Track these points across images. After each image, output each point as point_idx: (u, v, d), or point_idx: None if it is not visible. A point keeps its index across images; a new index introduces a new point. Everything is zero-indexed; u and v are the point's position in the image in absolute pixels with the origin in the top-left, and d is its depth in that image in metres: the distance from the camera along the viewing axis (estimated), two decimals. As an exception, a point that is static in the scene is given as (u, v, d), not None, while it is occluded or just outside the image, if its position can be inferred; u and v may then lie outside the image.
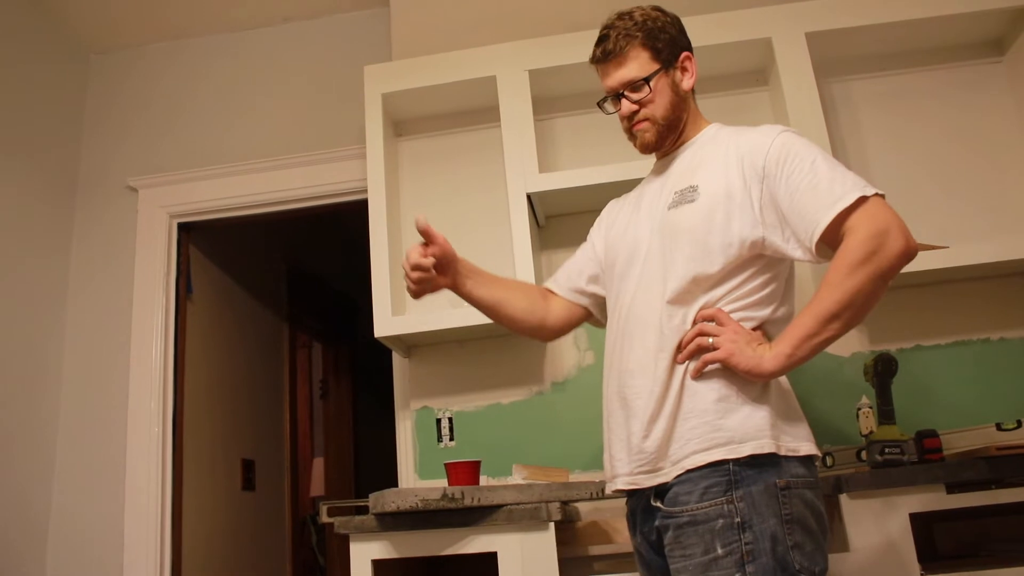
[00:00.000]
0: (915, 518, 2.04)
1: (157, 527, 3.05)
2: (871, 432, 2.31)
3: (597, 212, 2.87)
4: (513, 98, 2.83)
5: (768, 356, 1.54)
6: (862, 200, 1.52)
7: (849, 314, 1.50)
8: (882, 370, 2.32)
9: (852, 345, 2.67)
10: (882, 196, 1.54)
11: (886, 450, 2.19)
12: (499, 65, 2.87)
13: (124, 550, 3.02)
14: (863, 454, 2.27)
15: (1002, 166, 2.78)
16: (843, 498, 2.05)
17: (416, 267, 1.77)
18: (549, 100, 3.00)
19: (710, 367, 1.59)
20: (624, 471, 1.66)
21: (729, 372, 1.58)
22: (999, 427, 2.27)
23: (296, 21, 3.53)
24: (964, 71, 2.88)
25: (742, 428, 1.55)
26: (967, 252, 2.52)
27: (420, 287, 1.82)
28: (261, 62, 3.52)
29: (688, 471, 1.55)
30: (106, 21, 3.47)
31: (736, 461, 1.53)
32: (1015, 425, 2.26)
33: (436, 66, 2.92)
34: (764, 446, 1.53)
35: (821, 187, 1.55)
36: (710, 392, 1.58)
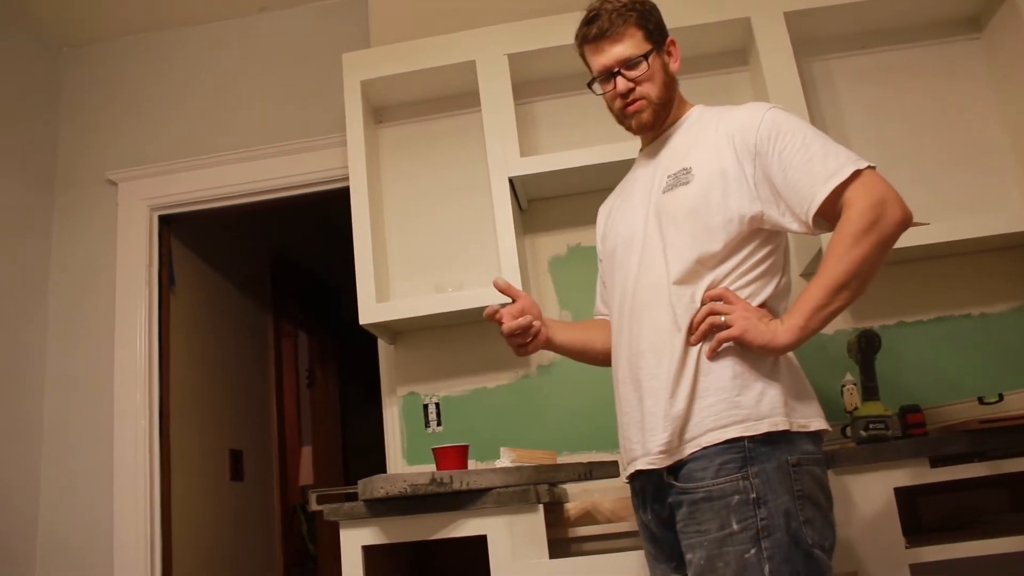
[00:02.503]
0: (900, 492, 2.07)
1: (146, 520, 3.04)
2: (855, 408, 2.33)
3: (579, 195, 2.90)
4: (493, 82, 2.82)
5: (782, 330, 1.56)
6: (857, 173, 1.55)
7: (857, 283, 1.53)
8: (865, 347, 2.34)
9: (836, 323, 2.67)
10: (874, 168, 1.57)
11: (871, 426, 2.20)
12: (478, 49, 2.86)
13: (114, 543, 3.01)
14: (848, 430, 2.29)
15: (980, 142, 2.80)
16: (829, 473, 2.06)
17: (519, 330, 1.80)
18: (529, 84, 3.00)
19: (724, 345, 1.60)
20: (640, 452, 1.67)
21: (741, 349, 1.60)
22: (981, 401, 2.29)
23: (273, 10, 3.50)
24: (942, 48, 2.89)
25: (758, 405, 1.56)
26: (947, 229, 2.53)
27: (533, 346, 1.85)
28: (239, 52, 3.50)
29: (704, 448, 1.57)
30: (78, 13, 3.43)
31: (751, 438, 1.54)
32: (997, 399, 2.28)
33: (415, 52, 2.91)
34: (778, 423, 1.55)
35: (815, 162, 1.58)
36: (725, 369, 1.59)
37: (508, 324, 1.79)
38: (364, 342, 3.08)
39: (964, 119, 2.82)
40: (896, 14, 2.82)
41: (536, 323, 1.83)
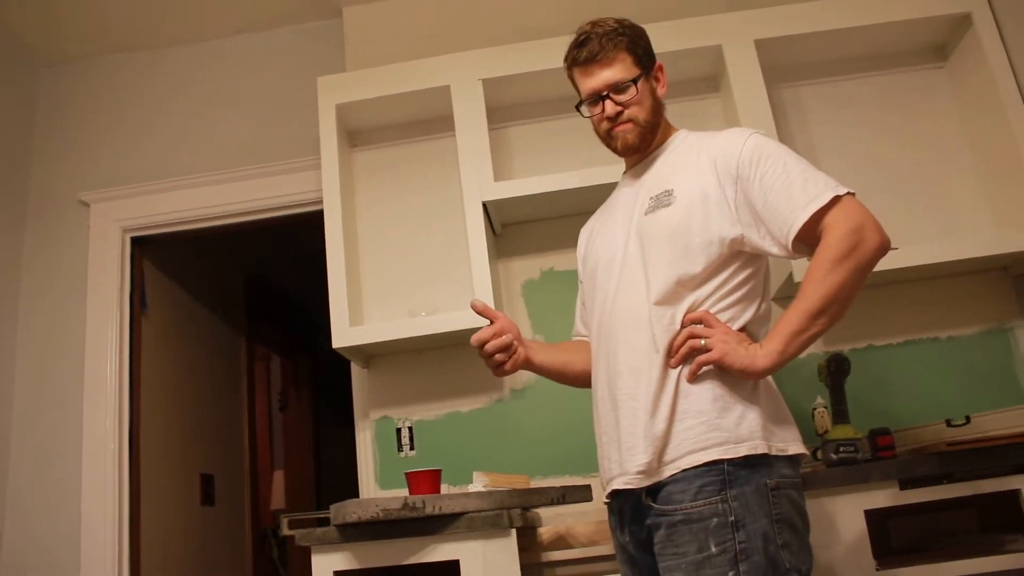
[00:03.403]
0: (870, 514, 2.08)
1: (115, 545, 2.99)
2: (826, 431, 2.35)
3: (553, 220, 2.92)
4: (467, 107, 2.83)
5: (761, 354, 1.57)
6: (836, 199, 1.57)
7: (835, 308, 1.55)
8: (835, 370, 2.36)
9: (806, 346, 2.71)
10: (853, 194, 1.60)
11: (841, 448, 2.22)
12: (453, 74, 2.87)
13: (80, 567, 2.96)
14: (819, 453, 2.31)
15: (946, 169, 2.85)
16: (800, 497, 2.08)
17: (500, 349, 1.80)
18: (503, 109, 3.02)
19: (704, 368, 1.61)
20: (618, 472, 1.67)
21: (721, 373, 1.61)
22: (949, 423, 2.32)
23: (248, 32, 3.50)
24: (908, 76, 2.95)
25: (737, 428, 1.57)
26: (915, 253, 2.57)
27: (512, 365, 1.84)
28: (213, 74, 3.49)
29: (684, 470, 1.57)
30: (54, 33, 3.41)
31: (731, 461, 1.55)
32: (964, 421, 2.30)
33: (390, 76, 2.92)
34: (758, 447, 1.56)
35: (795, 187, 1.60)
36: (705, 392, 1.60)
37: (491, 344, 1.79)
38: (339, 364, 3.07)
39: (931, 144, 2.87)
40: (864, 43, 2.88)
41: (515, 343, 1.84)
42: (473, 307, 1.82)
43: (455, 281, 2.91)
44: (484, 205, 2.75)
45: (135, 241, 3.39)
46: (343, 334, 2.69)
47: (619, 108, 1.78)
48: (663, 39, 2.74)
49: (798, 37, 2.79)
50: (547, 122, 3.00)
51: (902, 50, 2.93)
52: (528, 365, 1.91)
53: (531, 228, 2.98)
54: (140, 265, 3.42)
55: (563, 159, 2.90)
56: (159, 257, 3.63)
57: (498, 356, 1.81)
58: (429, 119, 3.05)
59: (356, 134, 3.11)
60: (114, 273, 3.28)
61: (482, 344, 1.79)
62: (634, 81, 1.77)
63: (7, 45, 3.41)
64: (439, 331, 2.67)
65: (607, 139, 1.85)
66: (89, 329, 3.21)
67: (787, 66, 2.93)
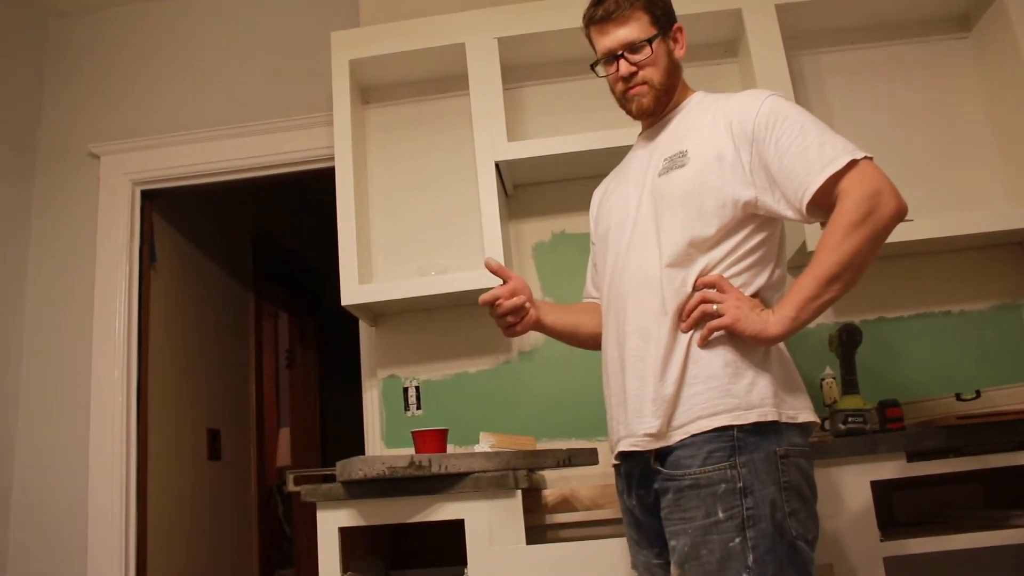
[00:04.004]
0: (876, 485, 2.08)
1: (122, 498, 3.02)
2: (835, 402, 2.34)
3: (565, 182, 2.90)
4: (482, 66, 2.80)
5: (773, 320, 1.55)
6: (853, 163, 1.54)
7: (849, 275, 1.52)
8: (846, 341, 2.35)
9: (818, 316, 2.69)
10: (871, 159, 1.56)
11: (849, 419, 2.22)
12: (468, 32, 2.84)
13: (88, 522, 2.99)
14: (827, 423, 2.30)
15: (966, 140, 2.81)
16: (806, 466, 2.08)
17: (512, 310, 1.80)
18: (518, 68, 2.98)
19: (716, 334, 1.60)
20: (624, 433, 1.67)
21: (733, 338, 1.59)
22: (959, 397, 2.31)
23: (262, -14, 3.47)
24: (931, 46, 2.90)
25: (748, 395, 1.56)
26: (931, 225, 2.54)
27: (524, 326, 1.84)
28: (227, 27, 3.46)
29: (693, 435, 1.56)
30: (66, -18, 3.38)
31: (740, 427, 1.54)
32: (974, 395, 2.29)
33: (404, 33, 2.89)
34: (768, 414, 1.55)
35: (811, 150, 1.57)
36: (716, 358, 1.59)
37: (505, 304, 1.78)
38: (345, 324, 3.06)
39: (951, 116, 2.83)
40: (886, 10, 2.83)
41: (527, 304, 1.83)
42: (487, 265, 1.81)
43: (466, 241, 2.89)
44: (497, 165, 2.73)
45: (145, 194, 3.38)
46: (352, 291, 2.69)
47: (633, 68, 1.76)
48: (682, 1, 2.71)
49: (820, 2, 2.74)
50: (563, 83, 2.97)
51: (925, 19, 2.88)
52: (538, 326, 1.90)
53: (543, 190, 2.96)
54: (150, 218, 3.41)
55: (578, 121, 2.87)
56: (169, 211, 3.62)
57: (510, 317, 1.81)
58: (443, 77, 3.02)
59: (369, 91, 3.08)
60: (123, 226, 3.28)
61: (494, 302, 1.78)
62: (649, 41, 1.74)
63: (18, -7, 3.38)
64: (449, 291, 2.66)
65: (622, 101, 1.83)
66: (98, 281, 3.22)
67: (807, 32, 2.89)
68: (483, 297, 1.78)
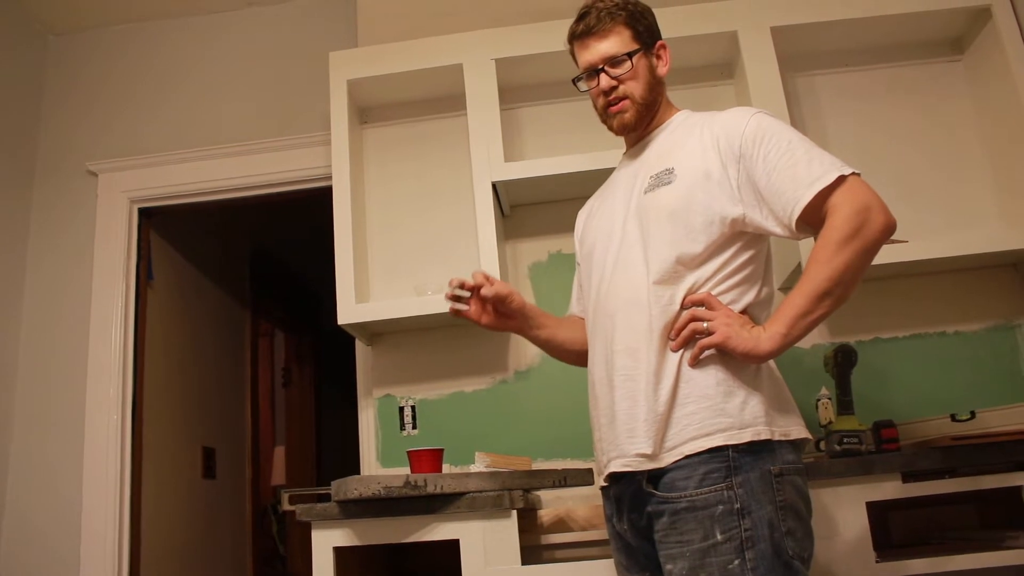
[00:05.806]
0: (871, 506, 2.08)
1: (116, 516, 3.01)
2: (830, 422, 2.34)
3: (562, 202, 2.91)
4: (479, 86, 2.82)
5: (764, 337, 1.54)
6: (841, 179, 1.54)
7: (840, 290, 1.52)
8: (842, 361, 2.35)
9: (813, 337, 2.70)
10: (858, 174, 1.56)
11: (845, 440, 2.22)
12: (466, 53, 2.86)
13: (81, 540, 2.97)
14: (822, 444, 2.30)
15: (960, 162, 2.83)
16: (802, 486, 2.08)
17: (501, 297, 1.85)
18: (515, 89, 3.00)
19: (707, 352, 1.59)
20: (615, 454, 1.65)
21: (724, 356, 1.58)
22: (954, 418, 2.31)
23: (260, 5, 3.49)
24: (924, 69, 2.92)
25: (741, 414, 1.55)
26: (925, 247, 2.55)
27: (497, 321, 1.90)
28: (225, 47, 3.48)
29: (687, 456, 1.55)
30: (65, 2, 3.39)
31: (735, 447, 1.53)
32: (969, 416, 2.30)
33: (402, 53, 2.90)
34: (761, 432, 1.54)
35: (799, 166, 1.57)
36: (708, 376, 1.58)
37: (492, 289, 1.81)
38: (342, 343, 3.06)
39: (945, 138, 2.85)
40: (881, 33, 2.85)
41: (516, 296, 1.86)
42: (474, 278, 1.83)
43: (462, 261, 2.90)
44: (494, 185, 2.74)
45: (142, 212, 3.38)
46: (349, 310, 2.69)
47: (614, 83, 1.77)
48: (678, 24, 2.75)
49: (815, 25, 2.77)
50: (560, 104, 2.99)
51: (919, 42, 2.91)
52: (522, 311, 1.90)
53: (540, 210, 2.97)
54: (147, 236, 3.42)
55: (575, 141, 2.88)
56: (166, 229, 3.63)
57: (495, 305, 1.86)
58: (440, 97, 3.04)
59: (367, 111, 3.10)
60: (121, 243, 3.28)
61: (486, 280, 1.82)
62: (630, 55, 1.75)
63: (17, 12, 3.39)
64: (445, 310, 2.65)
65: (604, 117, 1.83)
66: (95, 298, 3.22)
67: (802, 54, 2.91)
68: (477, 272, 1.83)
